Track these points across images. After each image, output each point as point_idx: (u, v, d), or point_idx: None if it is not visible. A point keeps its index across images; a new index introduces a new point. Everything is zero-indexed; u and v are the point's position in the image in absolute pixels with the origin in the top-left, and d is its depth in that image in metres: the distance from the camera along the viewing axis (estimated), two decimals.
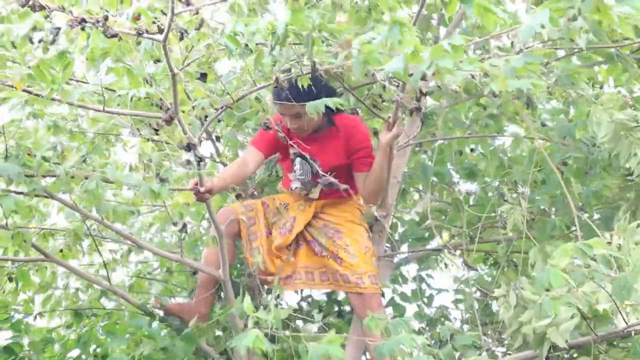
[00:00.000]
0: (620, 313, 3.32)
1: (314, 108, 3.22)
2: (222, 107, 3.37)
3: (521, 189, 4.48)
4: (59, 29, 2.89)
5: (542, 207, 4.36)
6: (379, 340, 3.20)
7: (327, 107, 3.24)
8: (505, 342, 4.52)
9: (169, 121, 3.16)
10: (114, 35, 2.89)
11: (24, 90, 3.21)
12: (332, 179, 3.63)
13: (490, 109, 4.64)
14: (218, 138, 4.61)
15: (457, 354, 3.61)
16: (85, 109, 3.53)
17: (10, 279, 4.20)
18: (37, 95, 3.24)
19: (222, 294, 4.09)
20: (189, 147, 3.20)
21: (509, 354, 3.88)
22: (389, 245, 4.73)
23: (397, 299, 5.13)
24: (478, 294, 4.95)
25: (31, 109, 3.42)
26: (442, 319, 4.97)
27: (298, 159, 4.03)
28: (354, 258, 3.94)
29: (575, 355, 3.75)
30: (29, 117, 3.48)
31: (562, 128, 4.23)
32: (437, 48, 2.57)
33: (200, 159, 3.24)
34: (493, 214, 4.46)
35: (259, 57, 3.11)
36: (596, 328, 3.48)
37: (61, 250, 4.21)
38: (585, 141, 4.13)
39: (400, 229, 5.08)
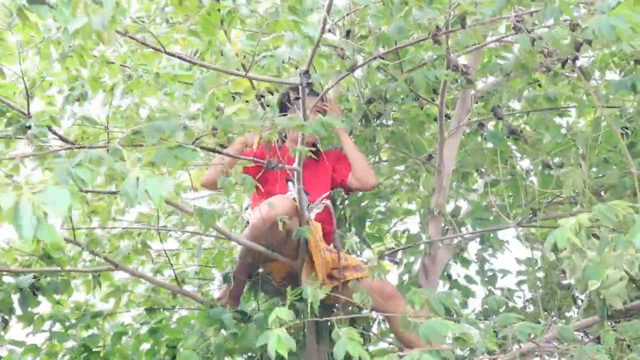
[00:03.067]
0: None
1: None
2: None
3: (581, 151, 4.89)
4: None
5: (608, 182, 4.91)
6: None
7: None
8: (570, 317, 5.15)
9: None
10: None
11: None
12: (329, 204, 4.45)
13: (544, 87, 5.15)
14: None
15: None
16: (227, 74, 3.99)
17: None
18: None
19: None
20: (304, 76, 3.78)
21: None
22: (448, 228, 5.40)
23: (462, 282, 5.85)
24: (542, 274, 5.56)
25: None
26: (507, 300, 5.61)
27: (290, 183, 4.66)
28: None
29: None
30: None
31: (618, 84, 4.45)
32: None
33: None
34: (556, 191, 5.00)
35: None
36: None
37: (128, 255, 5.01)
38: None
39: (463, 212, 5.68)
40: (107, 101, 4.27)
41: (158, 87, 4.34)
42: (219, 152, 3.84)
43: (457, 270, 5.91)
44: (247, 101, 4.51)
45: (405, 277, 5.95)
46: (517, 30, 3.84)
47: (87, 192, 4.35)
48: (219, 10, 3.87)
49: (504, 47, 5.38)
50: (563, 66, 4.21)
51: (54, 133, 3.91)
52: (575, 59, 4.14)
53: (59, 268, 4.70)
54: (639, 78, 4.25)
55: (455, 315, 4.21)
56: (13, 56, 4.29)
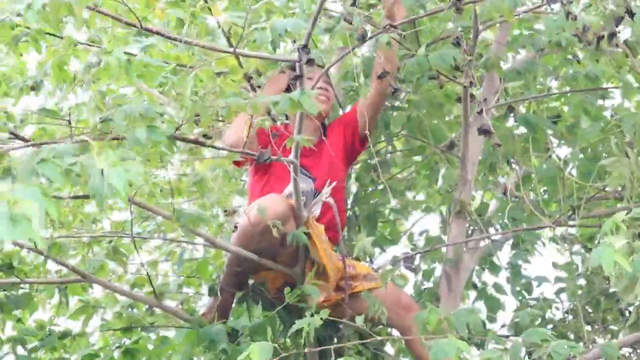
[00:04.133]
0: None
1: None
2: None
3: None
4: None
5: None
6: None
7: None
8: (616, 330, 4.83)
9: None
10: None
11: None
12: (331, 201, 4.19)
13: (583, 65, 4.85)
14: None
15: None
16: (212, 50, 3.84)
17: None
18: None
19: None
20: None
21: None
22: (474, 228, 5.10)
23: (490, 290, 5.50)
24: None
25: None
26: (543, 311, 5.27)
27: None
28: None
29: None
30: None
31: None
32: None
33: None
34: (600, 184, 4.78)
35: None
36: None
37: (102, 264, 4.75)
38: None
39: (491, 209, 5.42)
40: (70, 90, 3.99)
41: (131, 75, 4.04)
42: (202, 144, 3.69)
43: (484, 278, 5.61)
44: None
45: (424, 286, 5.66)
46: (552, 2, 3.66)
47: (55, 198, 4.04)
48: None
49: (536, 18, 5.07)
50: (598, 43, 3.99)
51: (11, 133, 3.74)
52: (613, 34, 3.91)
53: (19, 280, 4.49)
54: None
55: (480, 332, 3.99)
56: None
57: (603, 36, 3.91)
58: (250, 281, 4.46)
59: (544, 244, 5.49)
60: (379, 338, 3.78)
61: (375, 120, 4.70)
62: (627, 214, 3.23)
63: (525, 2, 4.44)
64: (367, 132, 4.45)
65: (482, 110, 4.09)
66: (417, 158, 5.65)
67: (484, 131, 4.17)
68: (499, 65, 4.87)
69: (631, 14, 3.66)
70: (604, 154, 4.88)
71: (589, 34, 3.89)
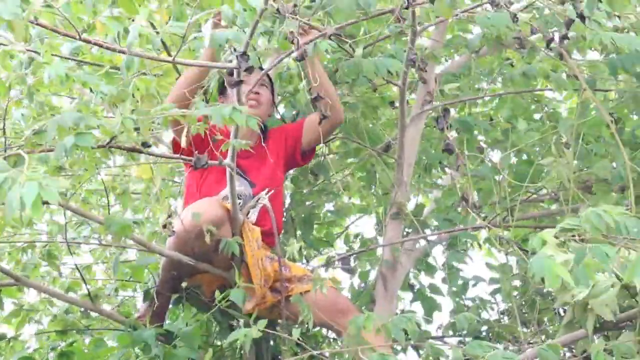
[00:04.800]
0: None
1: None
2: None
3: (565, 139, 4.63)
4: None
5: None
6: None
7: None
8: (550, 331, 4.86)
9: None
10: None
11: None
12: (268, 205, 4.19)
13: (519, 65, 4.88)
14: None
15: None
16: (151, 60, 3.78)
17: None
18: None
19: None
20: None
21: None
22: (409, 231, 5.07)
23: (428, 292, 5.51)
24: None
25: None
26: (479, 312, 5.31)
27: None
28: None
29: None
30: None
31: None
32: None
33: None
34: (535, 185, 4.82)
35: None
36: None
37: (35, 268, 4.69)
38: None
39: (426, 211, 5.38)
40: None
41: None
42: (139, 152, 3.62)
43: (420, 279, 5.60)
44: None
45: (361, 288, 5.65)
46: (494, 5, 3.68)
47: None
48: None
49: (471, 20, 5.05)
50: (548, 45, 3.96)
51: None
52: (565, 37, 3.88)
53: None
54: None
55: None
56: None
57: (552, 39, 3.89)
58: (185, 284, 4.40)
59: (479, 245, 5.53)
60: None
61: (328, 134, 4.67)
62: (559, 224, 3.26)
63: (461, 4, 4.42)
64: (312, 148, 4.58)
65: (444, 128, 4.11)
66: (353, 160, 5.61)
67: (447, 150, 4.21)
68: (436, 59, 4.89)
69: (582, 18, 3.66)
70: (539, 157, 4.91)
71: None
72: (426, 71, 4.42)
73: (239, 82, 3.63)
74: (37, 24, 3.41)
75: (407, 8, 3.67)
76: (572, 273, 3.18)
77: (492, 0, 3.63)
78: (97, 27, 3.79)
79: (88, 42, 3.56)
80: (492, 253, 5.76)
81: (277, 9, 3.51)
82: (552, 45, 3.95)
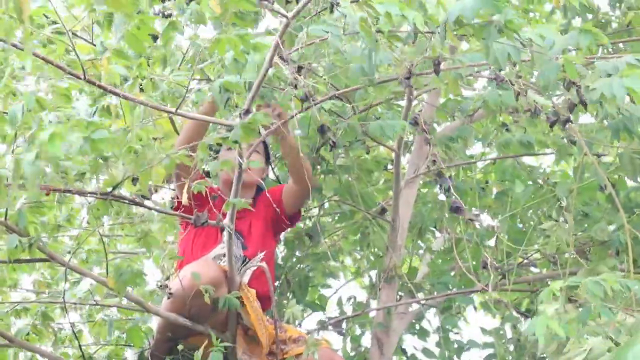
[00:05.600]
0: None
1: None
2: None
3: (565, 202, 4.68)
4: None
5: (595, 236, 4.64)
6: None
7: None
8: None
9: None
10: None
11: None
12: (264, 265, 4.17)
13: (515, 131, 4.90)
14: None
15: None
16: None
17: None
18: None
19: None
20: None
21: None
22: (402, 294, 5.07)
23: (420, 356, 5.49)
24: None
25: None
26: None
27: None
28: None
29: None
30: None
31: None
32: None
33: None
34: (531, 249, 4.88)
35: None
36: None
37: (27, 334, 4.60)
38: None
39: (420, 275, 5.40)
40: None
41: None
42: (137, 204, 3.68)
43: (413, 343, 5.59)
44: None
45: (353, 353, 5.62)
46: (498, 81, 3.68)
47: None
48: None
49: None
50: (551, 127, 3.94)
51: None
52: (568, 120, 3.88)
53: None
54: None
55: None
56: None
57: (557, 120, 3.85)
58: (180, 347, 4.32)
59: (475, 309, 5.52)
60: None
61: (302, 204, 4.73)
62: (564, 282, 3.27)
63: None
64: (297, 211, 4.61)
65: (449, 188, 4.12)
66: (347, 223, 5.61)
67: (455, 209, 4.22)
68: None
69: (585, 104, 3.69)
70: (531, 221, 4.94)
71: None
72: (428, 133, 4.39)
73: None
74: (45, 60, 3.41)
75: (408, 78, 3.67)
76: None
77: (497, 76, 3.65)
78: (103, 66, 3.81)
79: (92, 83, 3.51)
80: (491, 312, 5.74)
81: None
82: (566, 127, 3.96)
